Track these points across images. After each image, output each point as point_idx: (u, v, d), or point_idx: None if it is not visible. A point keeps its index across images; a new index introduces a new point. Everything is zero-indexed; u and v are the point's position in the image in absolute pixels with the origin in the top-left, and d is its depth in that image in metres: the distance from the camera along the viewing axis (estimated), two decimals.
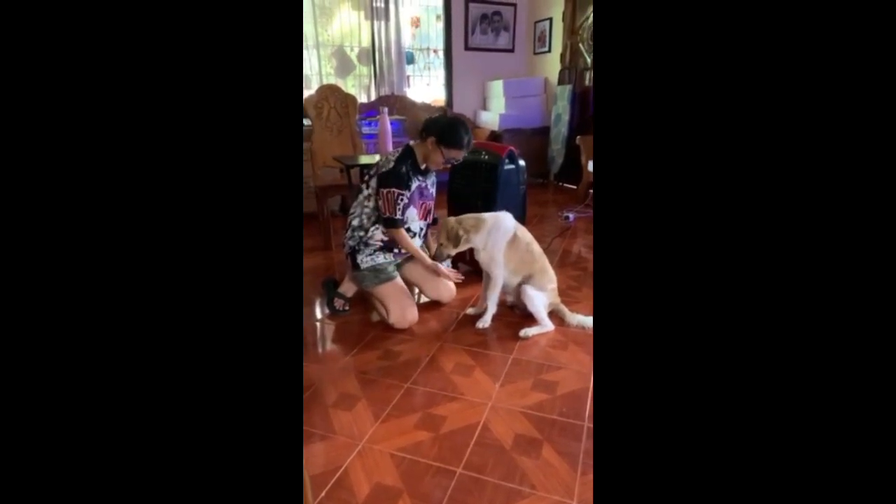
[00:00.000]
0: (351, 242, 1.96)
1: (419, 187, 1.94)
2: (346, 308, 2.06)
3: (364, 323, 1.98)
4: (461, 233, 1.83)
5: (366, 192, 1.94)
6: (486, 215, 1.88)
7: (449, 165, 1.93)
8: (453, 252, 1.89)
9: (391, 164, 1.85)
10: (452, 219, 1.88)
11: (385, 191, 1.83)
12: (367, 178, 1.97)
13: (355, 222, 1.96)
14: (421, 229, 2.02)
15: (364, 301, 2.10)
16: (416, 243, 2.03)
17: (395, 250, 1.99)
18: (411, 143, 1.94)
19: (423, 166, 1.93)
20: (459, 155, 1.86)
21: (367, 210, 1.93)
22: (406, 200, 1.86)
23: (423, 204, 1.99)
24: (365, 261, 1.94)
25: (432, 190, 2.05)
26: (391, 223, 1.86)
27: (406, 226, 1.94)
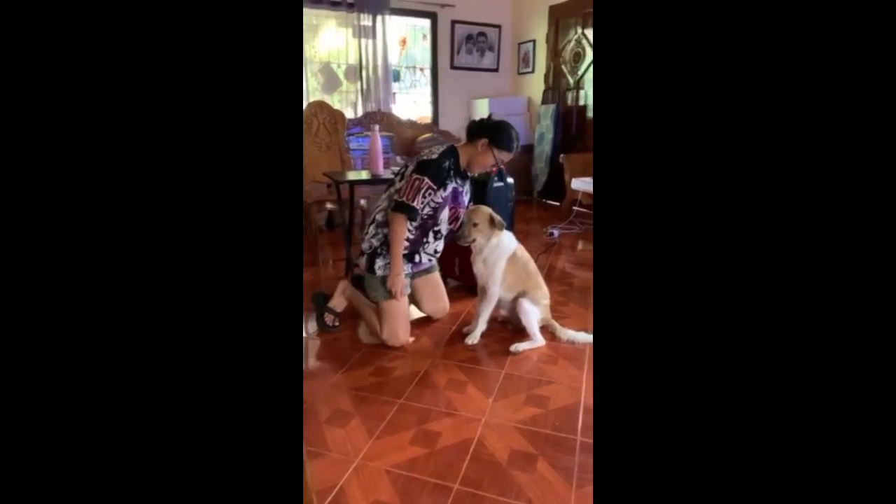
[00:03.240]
0: (374, 241, 1.87)
1: (455, 189, 1.89)
2: (337, 324, 2.05)
3: (355, 339, 1.97)
4: (498, 223, 1.83)
5: (398, 186, 1.84)
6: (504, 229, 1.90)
7: (494, 169, 1.90)
8: (481, 239, 1.84)
9: (434, 156, 1.80)
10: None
11: (416, 177, 1.75)
12: (402, 170, 1.90)
13: (380, 217, 1.87)
14: (445, 233, 1.99)
15: (354, 316, 2.10)
16: (440, 245, 1.99)
17: (416, 259, 1.93)
18: (456, 145, 1.89)
19: (463, 169, 1.89)
20: (508, 157, 1.86)
21: (393, 203, 1.83)
22: (434, 199, 1.78)
23: (453, 209, 1.94)
24: (382, 267, 1.87)
25: (467, 198, 1.99)
26: (403, 208, 1.75)
27: (437, 228, 1.91)
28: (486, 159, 1.84)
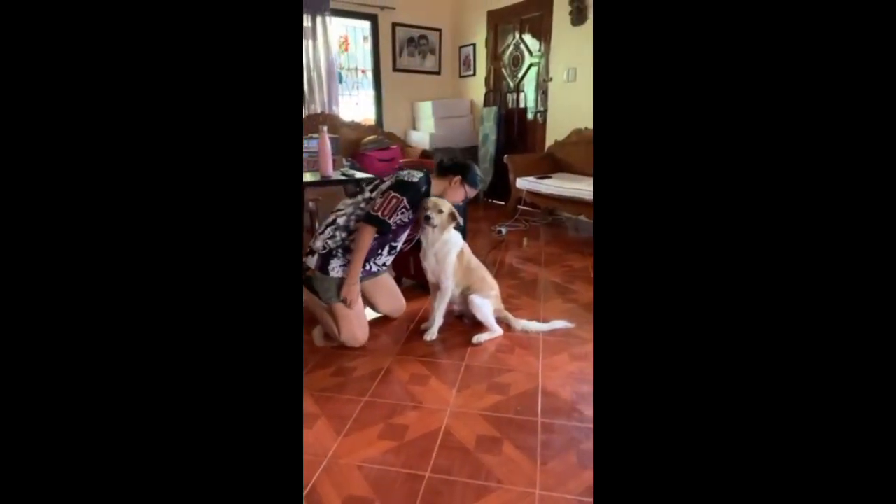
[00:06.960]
0: (331, 243, 1.88)
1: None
2: None
3: (309, 342, 1.95)
4: (458, 217, 1.93)
5: (367, 195, 1.90)
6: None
7: (461, 202, 2.06)
8: (437, 231, 1.89)
9: (414, 179, 1.87)
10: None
11: (395, 195, 1.81)
12: (376, 182, 1.95)
13: (341, 220, 1.90)
14: (398, 250, 2.07)
15: (309, 321, 2.06)
16: (390, 260, 2.06)
17: (368, 266, 1.96)
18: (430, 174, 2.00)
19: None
20: (475, 193, 2.12)
21: (359, 212, 1.87)
22: (402, 218, 1.86)
23: (412, 230, 2.03)
24: (337, 269, 1.87)
25: None
26: (375, 222, 1.79)
27: (394, 244, 1.98)
28: (458, 193, 2.02)
